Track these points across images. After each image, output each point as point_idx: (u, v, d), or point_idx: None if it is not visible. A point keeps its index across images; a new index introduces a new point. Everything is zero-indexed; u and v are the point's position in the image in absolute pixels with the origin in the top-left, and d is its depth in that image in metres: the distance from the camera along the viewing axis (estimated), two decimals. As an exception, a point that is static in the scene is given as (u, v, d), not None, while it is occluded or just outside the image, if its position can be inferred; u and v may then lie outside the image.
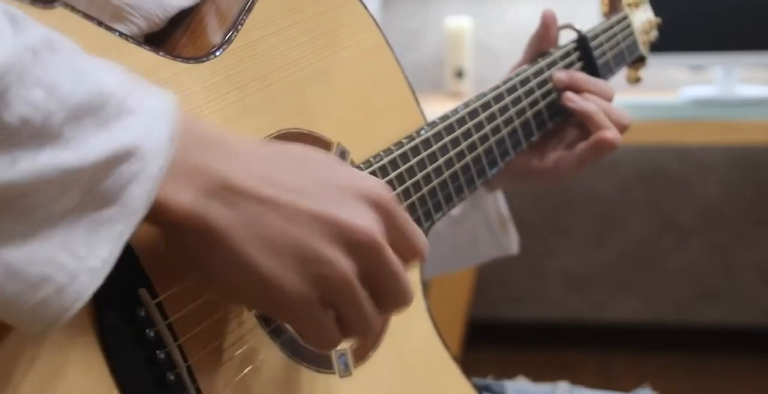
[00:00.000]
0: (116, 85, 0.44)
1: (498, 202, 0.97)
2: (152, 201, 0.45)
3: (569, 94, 0.88)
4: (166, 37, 0.62)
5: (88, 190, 0.43)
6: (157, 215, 0.47)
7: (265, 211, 0.49)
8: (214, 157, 0.49)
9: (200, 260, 0.50)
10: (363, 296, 0.52)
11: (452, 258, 0.95)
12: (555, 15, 0.91)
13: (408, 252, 0.55)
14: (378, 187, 0.54)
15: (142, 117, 0.44)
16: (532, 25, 0.93)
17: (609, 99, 0.90)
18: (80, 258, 0.43)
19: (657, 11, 1.10)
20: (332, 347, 0.55)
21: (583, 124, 0.89)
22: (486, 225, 0.96)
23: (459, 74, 2.38)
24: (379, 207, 0.53)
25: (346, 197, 0.52)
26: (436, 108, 0.85)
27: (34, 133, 0.40)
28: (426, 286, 0.77)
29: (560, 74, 0.89)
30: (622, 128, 0.88)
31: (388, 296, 0.54)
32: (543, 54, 0.91)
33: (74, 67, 0.42)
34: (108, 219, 0.43)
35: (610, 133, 0.86)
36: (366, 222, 0.51)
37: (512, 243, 0.99)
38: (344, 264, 0.51)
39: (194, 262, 0.50)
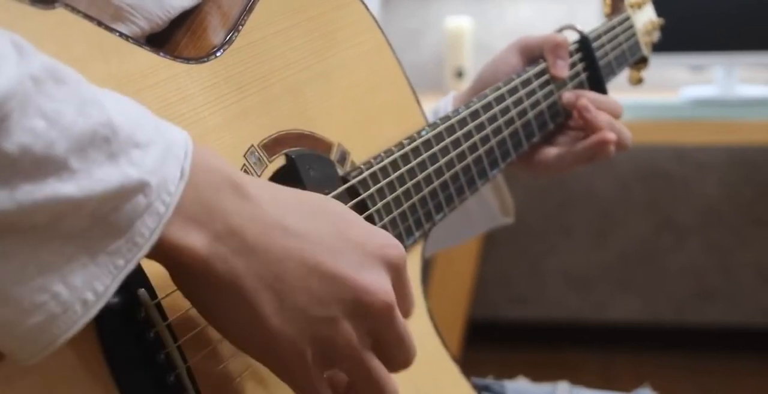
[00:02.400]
0: (123, 117, 0.43)
1: None
2: (156, 239, 0.44)
3: (587, 104, 0.88)
4: (168, 38, 0.62)
5: (93, 220, 0.42)
6: (170, 256, 0.47)
7: (280, 261, 0.48)
8: (227, 201, 0.48)
9: (209, 303, 0.49)
10: (370, 359, 0.52)
11: (446, 232, 0.92)
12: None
13: (405, 311, 0.54)
14: (393, 246, 0.53)
15: (150, 152, 0.43)
16: (532, 25, 0.93)
17: (617, 116, 0.90)
18: (75, 289, 0.42)
19: (657, 11, 1.10)
20: None
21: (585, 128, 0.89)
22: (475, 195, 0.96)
23: (459, 74, 2.38)
24: (391, 268, 0.52)
25: (362, 254, 0.51)
26: (436, 108, 0.85)
27: (36, 163, 0.39)
28: (426, 286, 0.77)
29: (569, 95, 0.90)
30: (622, 146, 0.90)
31: (393, 357, 0.54)
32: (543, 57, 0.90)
33: (79, 97, 0.41)
34: (111, 252, 0.43)
35: (611, 135, 0.87)
36: (381, 286, 0.51)
37: (507, 212, 0.96)
38: (349, 331, 0.50)
39: (203, 304, 0.50)
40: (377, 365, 0.52)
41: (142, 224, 0.43)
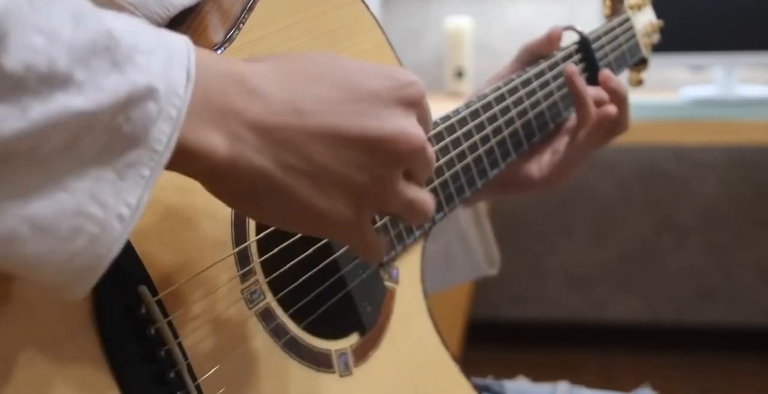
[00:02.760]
0: (123, 26, 0.43)
1: (479, 217, 0.95)
2: (175, 144, 0.44)
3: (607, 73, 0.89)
4: (168, 36, 0.62)
5: (109, 134, 0.41)
6: (194, 163, 0.46)
7: (305, 144, 0.48)
8: (237, 98, 0.47)
9: (248, 201, 0.49)
10: (414, 192, 0.53)
11: (430, 276, 0.92)
12: (561, 34, 0.90)
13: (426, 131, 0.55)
14: (407, 84, 0.52)
15: (154, 58, 0.43)
16: (532, 25, 0.93)
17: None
18: (109, 206, 0.42)
19: (657, 11, 1.10)
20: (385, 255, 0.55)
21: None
22: (461, 242, 0.94)
23: (459, 74, 2.38)
24: (412, 106, 0.52)
25: (380, 105, 0.51)
26: (436, 108, 0.84)
27: (41, 79, 0.39)
28: (426, 286, 0.77)
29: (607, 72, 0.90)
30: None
31: (421, 177, 0.55)
32: (544, 55, 0.90)
33: (74, 10, 0.41)
34: (133, 163, 0.42)
35: (612, 108, 0.87)
36: (410, 132, 0.51)
37: (492, 263, 0.96)
38: (392, 181, 0.51)
39: (243, 203, 0.50)
40: (417, 192, 0.54)
41: (157, 131, 0.43)
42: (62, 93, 0.39)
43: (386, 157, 0.50)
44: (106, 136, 0.41)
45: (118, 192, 0.42)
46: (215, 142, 0.46)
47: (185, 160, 0.46)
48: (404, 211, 0.54)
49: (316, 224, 0.51)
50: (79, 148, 0.41)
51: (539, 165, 0.90)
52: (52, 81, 0.39)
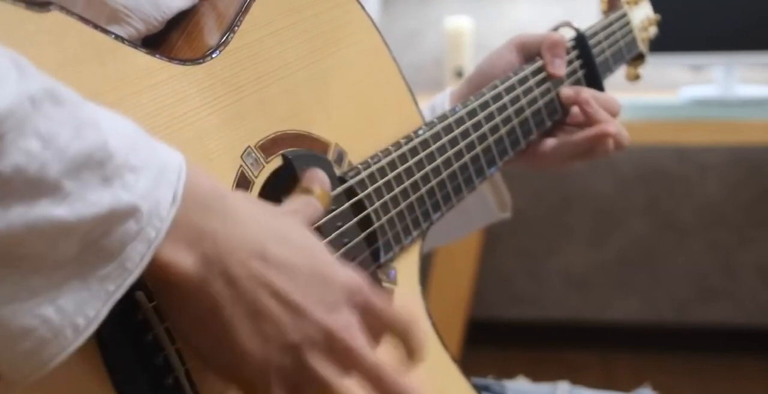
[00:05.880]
0: (120, 140, 0.43)
1: None
2: (146, 263, 0.45)
3: (588, 98, 0.88)
4: (163, 39, 0.62)
5: (84, 245, 0.42)
6: (156, 274, 0.47)
7: (256, 290, 0.49)
8: (216, 223, 0.48)
9: (186, 319, 0.50)
10: (335, 385, 0.51)
11: (443, 228, 0.88)
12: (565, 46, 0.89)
13: (386, 327, 0.54)
14: (356, 286, 0.53)
15: (144, 176, 0.44)
16: (532, 25, 0.93)
17: (615, 114, 0.89)
18: (66, 314, 0.42)
19: (657, 11, 1.10)
20: None
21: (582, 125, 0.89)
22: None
23: (459, 74, 2.38)
24: (358, 305, 0.52)
25: (330, 291, 0.51)
26: (435, 108, 0.85)
27: (29, 184, 0.39)
28: (426, 286, 0.77)
29: (568, 91, 0.89)
30: (620, 144, 0.89)
31: (361, 371, 0.53)
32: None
33: (76, 119, 0.42)
34: (101, 277, 0.43)
35: (611, 128, 0.86)
36: (347, 327, 0.51)
37: (504, 208, 0.96)
38: (314, 361, 0.50)
39: (179, 320, 0.50)
40: (340, 385, 0.51)
41: (132, 249, 0.44)
42: (47, 201, 0.40)
43: (318, 340, 0.50)
44: (81, 246, 0.42)
45: (79, 302, 0.42)
46: (184, 261, 0.47)
47: (150, 271, 0.46)
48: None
49: (233, 365, 0.50)
50: (52, 255, 0.41)
51: (546, 146, 0.90)
52: (39, 187, 0.40)
